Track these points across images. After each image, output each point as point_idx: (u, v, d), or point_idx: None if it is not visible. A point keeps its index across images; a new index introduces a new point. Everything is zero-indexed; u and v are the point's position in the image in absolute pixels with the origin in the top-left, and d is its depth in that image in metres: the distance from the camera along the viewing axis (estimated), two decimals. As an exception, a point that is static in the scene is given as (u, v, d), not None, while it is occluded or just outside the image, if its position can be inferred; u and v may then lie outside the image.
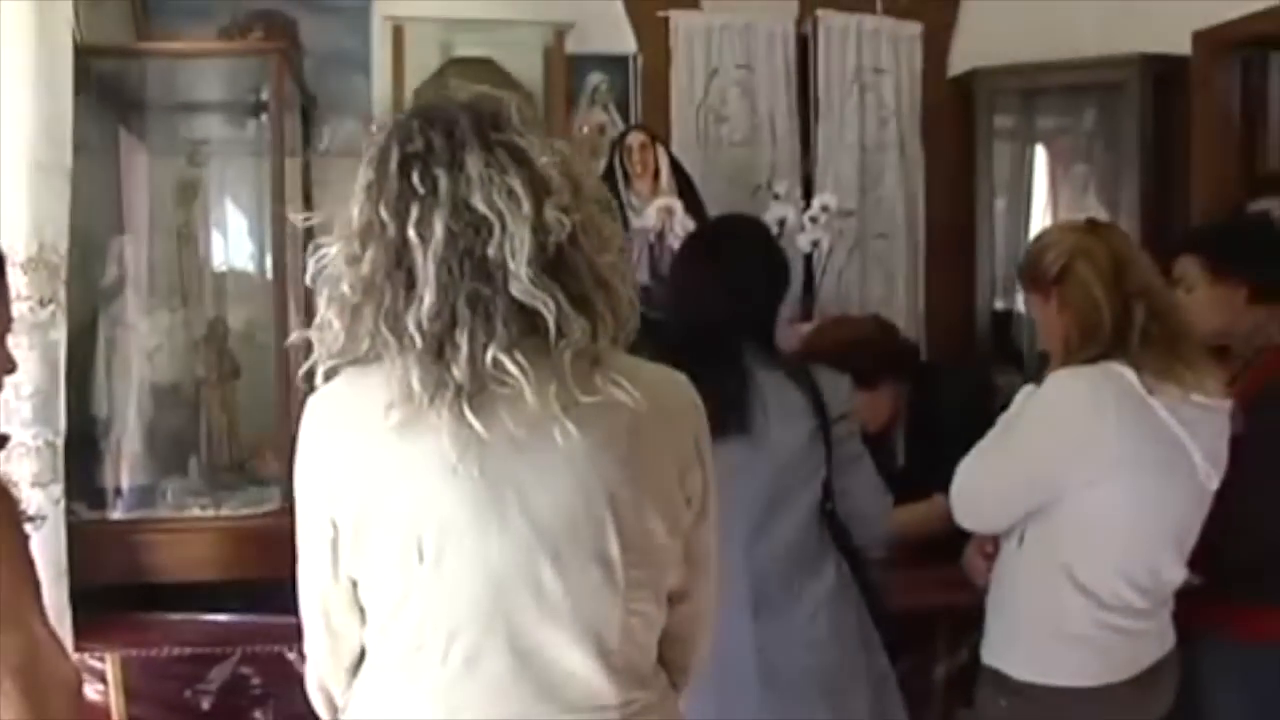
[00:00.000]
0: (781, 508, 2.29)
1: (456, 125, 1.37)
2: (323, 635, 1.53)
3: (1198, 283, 2.68)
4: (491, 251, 1.34)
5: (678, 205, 3.27)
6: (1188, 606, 2.63)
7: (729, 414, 2.21)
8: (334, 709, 1.58)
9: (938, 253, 4.06)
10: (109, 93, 3.23)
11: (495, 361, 1.34)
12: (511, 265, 1.34)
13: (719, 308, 2.32)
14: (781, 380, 2.30)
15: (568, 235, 1.37)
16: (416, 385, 1.34)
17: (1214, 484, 2.29)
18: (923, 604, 2.83)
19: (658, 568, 1.49)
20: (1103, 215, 3.99)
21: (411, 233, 1.35)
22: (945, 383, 3.37)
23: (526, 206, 1.34)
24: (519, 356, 1.34)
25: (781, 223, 3.59)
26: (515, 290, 1.35)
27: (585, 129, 3.75)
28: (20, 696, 1.24)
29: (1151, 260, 2.35)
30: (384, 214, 1.36)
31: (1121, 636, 2.29)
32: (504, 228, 1.34)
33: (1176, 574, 2.34)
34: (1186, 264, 2.71)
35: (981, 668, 2.42)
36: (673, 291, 2.42)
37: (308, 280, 1.43)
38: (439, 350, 1.34)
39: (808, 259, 3.73)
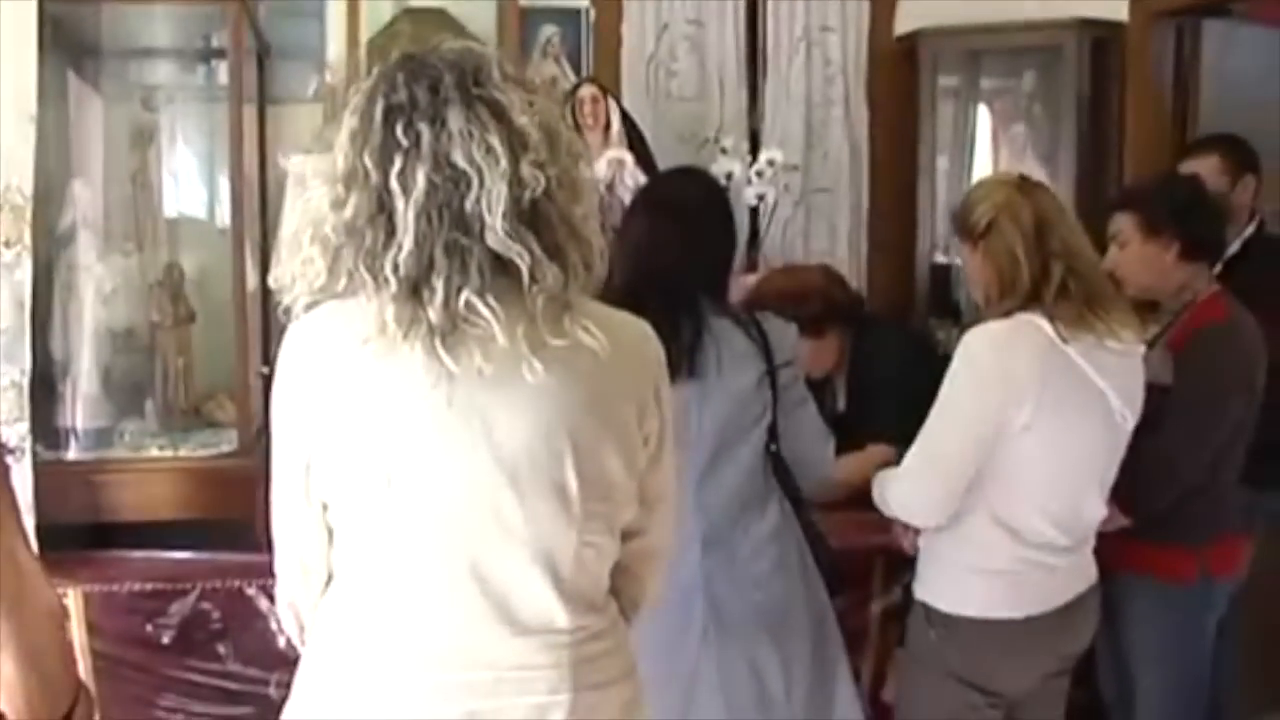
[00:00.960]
0: (730, 449, 2.39)
1: (441, 81, 1.43)
2: (293, 556, 1.60)
3: (1131, 239, 2.79)
4: (469, 205, 1.41)
5: (628, 158, 3.34)
6: (1110, 546, 2.78)
7: (683, 359, 2.30)
8: (302, 628, 1.65)
9: (880, 207, 4.16)
10: (63, 38, 3.23)
11: (468, 304, 1.41)
12: (488, 218, 1.41)
13: (677, 259, 2.40)
14: (731, 328, 2.39)
15: (543, 189, 1.43)
16: (391, 321, 1.40)
17: (1129, 424, 2.41)
18: (860, 544, 2.94)
19: (613, 503, 1.57)
20: (1040, 174, 4.12)
21: (394, 183, 1.41)
22: (885, 334, 3.47)
23: (504, 163, 1.41)
24: (491, 300, 1.41)
25: (728, 176, 3.67)
26: (491, 241, 1.41)
27: (537, 81, 3.77)
28: (6, 622, 1.24)
29: (1077, 221, 2.45)
30: (368, 162, 1.43)
31: (1043, 572, 2.41)
32: (482, 183, 1.41)
33: (1096, 512, 2.47)
34: (1121, 221, 2.82)
35: (913, 602, 2.54)
36: (629, 243, 2.49)
37: (302, 219, 1.49)
38: (414, 292, 1.41)
39: (754, 212, 3.81)
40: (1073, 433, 2.34)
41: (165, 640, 2.88)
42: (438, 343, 1.40)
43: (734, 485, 2.39)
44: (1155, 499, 2.71)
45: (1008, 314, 2.34)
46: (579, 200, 1.49)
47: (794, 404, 2.44)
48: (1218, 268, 3.22)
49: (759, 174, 3.68)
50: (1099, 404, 2.35)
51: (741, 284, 3.60)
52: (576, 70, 3.87)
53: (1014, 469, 2.34)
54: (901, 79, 4.12)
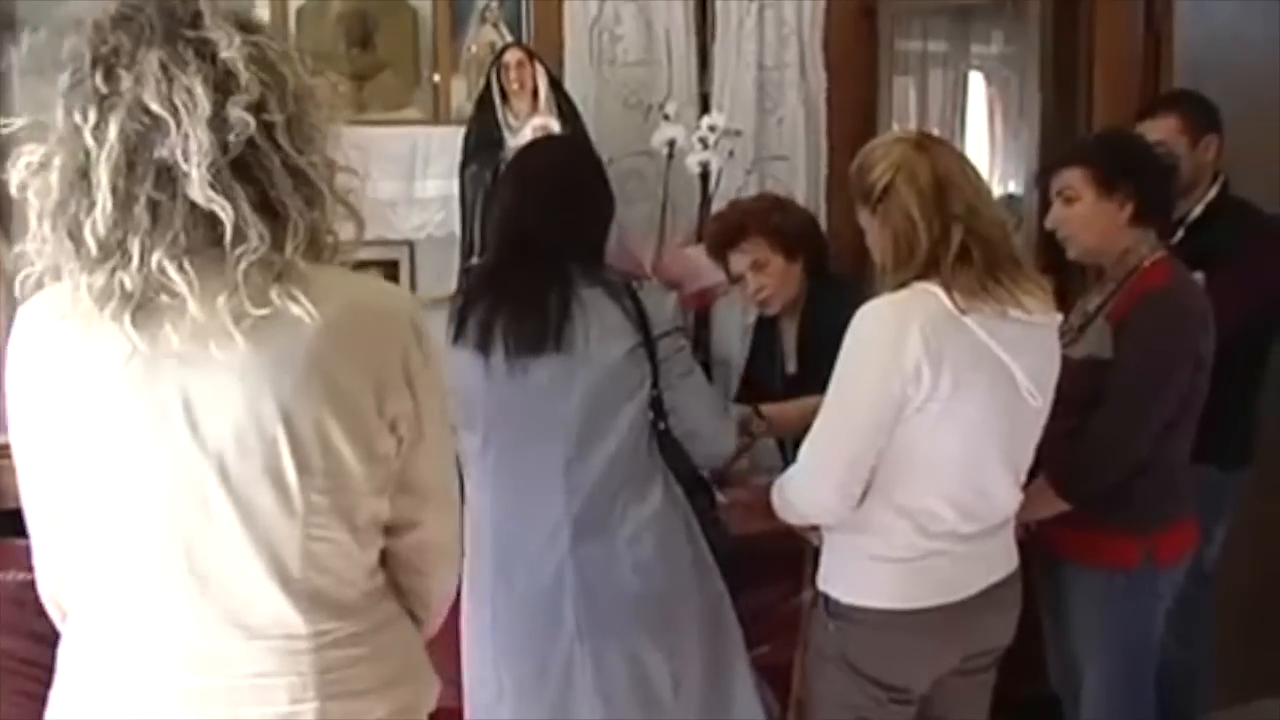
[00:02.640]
0: (601, 427, 2.25)
1: (146, 25, 1.31)
2: (39, 545, 1.52)
3: (1083, 194, 2.62)
4: (165, 153, 1.29)
5: (555, 125, 3.19)
6: (1051, 533, 2.63)
7: (548, 333, 2.17)
8: (64, 615, 1.56)
9: (839, 177, 3.94)
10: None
11: (161, 268, 1.28)
12: (185, 167, 1.29)
13: (542, 229, 2.27)
14: (603, 298, 2.25)
15: (262, 134, 1.31)
16: (85, 294, 1.29)
17: (1038, 403, 2.24)
18: (790, 529, 2.79)
19: (347, 493, 1.43)
20: (1006, 137, 3.96)
21: (89, 137, 1.29)
22: (843, 289, 3.26)
23: (205, 105, 1.29)
24: (187, 265, 1.30)
25: (671, 144, 3.51)
26: (193, 194, 1.29)
27: (474, 48, 3.63)
28: None
29: (984, 181, 2.30)
30: (75, 119, 1.31)
31: (945, 560, 2.25)
32: (179, 127, 1.28)
33: (1006, 497, 2.30)
34: (1071, 175, 2.65)
35: (815, 590, 2.39)
36: (496, 213, 2.37)
37: (13, 190, 1.36)
38: (109, 257, 1.29)
39: (703, 180, 3.65)
40: (973, 410, 2.16)
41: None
42: (126, 317, 1.28)
43: (607, 465, 2.25)
44: (1094, 481, 2.56)
45: (903, 284, 2.17)
46: (311, 148, 1.36)
47: (679, 376, 2.29)
48: (1180, 233, 3.08)
49: (702, 141, 3.51)
50: (1002, 379, 2.17)
51: (684, 256, 3.46)
52: (517, 36, 3.69)
53: (911, 450, 2.17)
54: (860, 41, 3.93)
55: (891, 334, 2.13)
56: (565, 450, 2.24)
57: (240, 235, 1.30)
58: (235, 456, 1.35)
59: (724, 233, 3.14)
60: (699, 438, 2.35)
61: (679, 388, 2.30)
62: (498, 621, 2.30)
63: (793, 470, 2.31)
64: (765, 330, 3.30)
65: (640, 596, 2.26)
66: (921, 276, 2.17)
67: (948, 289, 2.14)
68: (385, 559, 1.56)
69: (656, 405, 2.28)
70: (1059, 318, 2.33)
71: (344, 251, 1.45)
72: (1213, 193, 3.21)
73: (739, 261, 3.12)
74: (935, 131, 4.00)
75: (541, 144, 2.80)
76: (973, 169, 2.30)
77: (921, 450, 2.18)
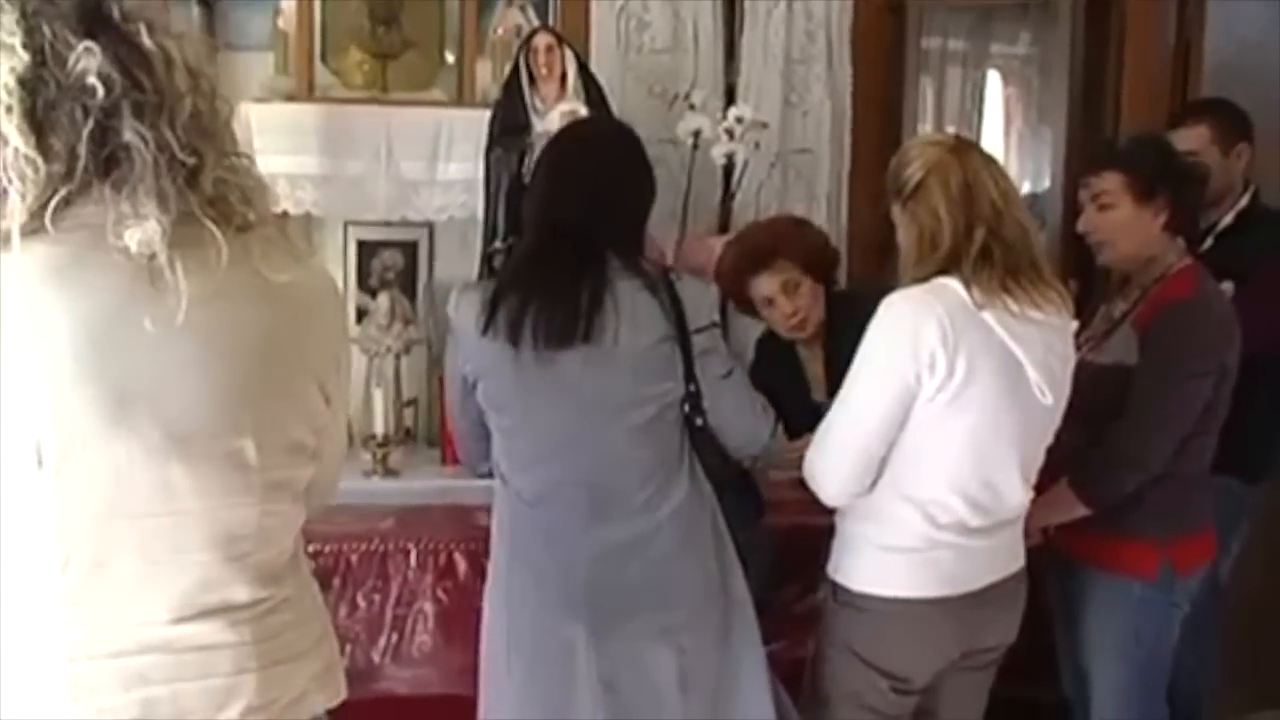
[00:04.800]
0: (629, 418, 2.22)
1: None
2: None
3: (1121, 201, 2.62)
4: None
5: (583, 110, 3.15)
6: (1070, 536, 2.62)
7: (577, 323, 2.15)
8: None
9: (863, 172, 3.94)
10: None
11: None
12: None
13: (581, 215, 2.24)
14: (638, 290, 2.22)
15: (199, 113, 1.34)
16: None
17: (1049, 401, 2.25)
18: (809, 524, 2.78)
19: (296, 467, 1.46)
20: (1032, 139, 3.93)
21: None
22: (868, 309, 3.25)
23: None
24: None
25: (696, 134, 3.50)
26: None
27: (500, 31, 3.60)
28: None
29: (1014, 185, 2.31)
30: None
31: (953, 553, 2.27)
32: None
33: (1016, 494, 2.31)
34: (1110, 180, 2.64)
35: (825, 581, 2.41)
36: (534, 198, 2.33)
37: None
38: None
39: (726, 171, 3.63)
40: (985, 403, 2.18)
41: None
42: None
43: (635, 461, 2.23)
44: (1114, 487, 2.55)
45: (925, 279, 2.20)
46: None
47: (714, 375, 2.27)
48: (1209, 241, 3.07)
49: (728, 132, 3.49)
50: (1016, 375, 2.20)
51: (706, 245, 3.44)
52: (544, 20, 3.67)
53: (922, 440, 2.20)
54: (887, 37, 3.91)
55: (909, 324, 2.16)
56: (590, 444, 2.21)
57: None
58: (200, 440, 1.35)
59: (753, 254, 3.08)
60: (736, 437, 2.34)
61: (718, 387, 2.28)
62: (511, 605, 2.29)
63: (810, 454, 2.31)
64: (783, 357, 3.23)
65: (654, 591, 2.24)
66: (942, 272, 2.21)
67: (967, 284, 2.18)
68: None
69: (693, 401, 2.26)
70: (1075, 322, 2.35)
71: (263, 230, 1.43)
72: (1244, 202, 3.19)
73: (768, 284, 3.06)
74: (957, 130, 4.01)
75: (580, 127, 2.75)
76: (1002, 173, 2.33)
77: (932, 441, 2.20)
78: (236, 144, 1.42)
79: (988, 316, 2.16)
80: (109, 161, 1.29)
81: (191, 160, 1.32)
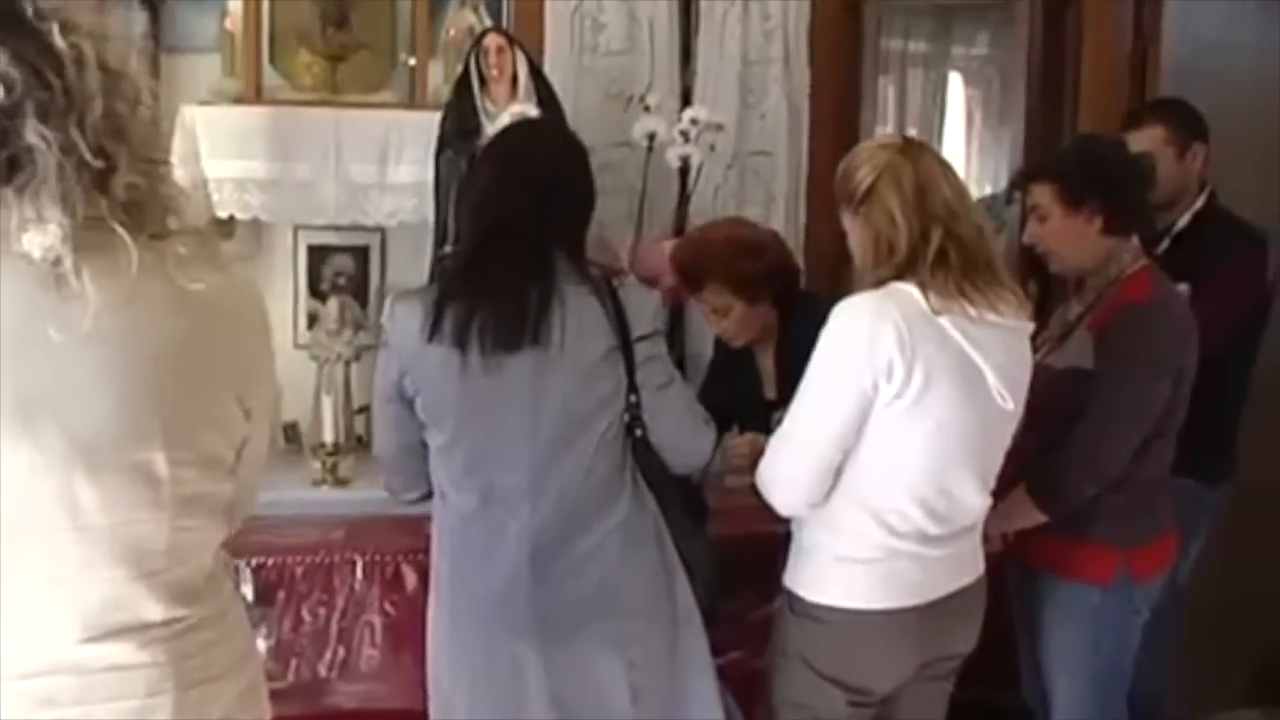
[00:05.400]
0: (571, 433, 2.17)
1: None
2: None
3: (1051, 212, 2.61)
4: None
5: (534, 112, 3.10)
6: (1029, 543, 2.59)
7: (525, 325, 2.10)
8: None
9: (821, 174, 3.89)
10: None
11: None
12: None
13: (526, 213, 2.18)
14: (585, 295, 2.17)
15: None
16: None
17: (1009, 406, 2.22)
18: (763, 532, 2.74)
19: (212, 482, 1.41)
20: (989, 141, 3.91)
21: None
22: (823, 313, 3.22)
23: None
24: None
25: (651, 136, 3.45)
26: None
27: (452, 32, 3.54)
28: None
29: (964, 185, 2.28)
30: None
31: (911, 562, 2.23)
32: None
33: (974, 501, 2.27)
34: (1040, 193, 2.63)
35: (781, 589, 2.36)
36: (473, 197, 2.27)
37: None
38: None
39: (682, 173, 3.59)
40: (943, 409, 2.14)
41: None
42: None
43: (574, 472, 2.17)
44: (1073, 493, 2.52)
45: (881, 283, 2.15)
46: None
47: (658, 385, 2.22)
48: (1165, 243, 3.05)
49: (683, 134, 3.44)
50: (974, 380, 2.16)
51: (661, 250, 3.39)
52: (497, 21, 3.62)
53: (879, 447, 2.16)
54: (845, 37, 3.88)
55: (865, 329, 2.12)
56: (532, 453, 2.16)
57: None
58: (106, 452, 1.30)
59: (684, 275, 3.04)
60: (677, 450, 2.28)
61: (658, 397, 2.22)
62: (455, 620, 2.24)
63: (765, 464, 2.27)
64: (738, 353, 3.18)
65: (601, 606, 2.19)
66: (899, 276, 2.17)
67: (924, 289, 2.14)
68: None
69: (634, 411, 2.21)
70: (1031, 325, 2.31)
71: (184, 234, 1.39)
72: (1200, 203, 3.16)
73: (701, 304, 3.04)
74: (917, 131, 3.98)
75: (524, 127, 2.70)
76: (954, 174, 2.30)
77: (889, 448, 2.16)
78: (161, 148, 1.39)
79: (945, 321, 2.12)
80: (11, 164, 1.24)
81: (100, 163, 1.27)
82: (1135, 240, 2.64)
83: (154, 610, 1.37)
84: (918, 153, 2.25)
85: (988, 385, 2.17)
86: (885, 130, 3.88)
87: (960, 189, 2.24)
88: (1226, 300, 2.88)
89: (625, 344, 2.17)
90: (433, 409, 2.20)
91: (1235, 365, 3.06)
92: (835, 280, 3.83)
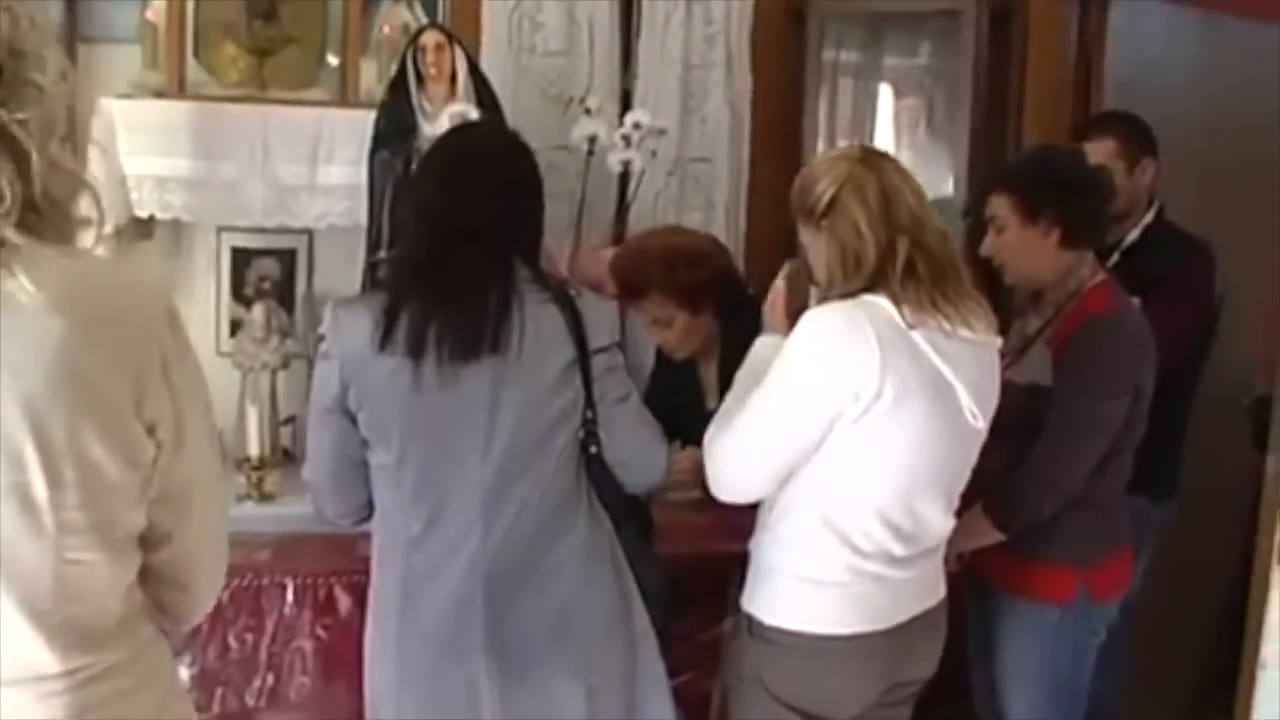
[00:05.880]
0: (526, 451, 2.05)
1: None
2: None
3: (1008, 224, 2.56)
4: None
5: (474, 113, 2.99)
6: (986, 562, 2.53)
7: (485, 332, 1.98)
8: None
9: (762, 181, 3.84)
10: None
11: None
12: None
13: (486, 215, 2.06)
14: (545, 303, 2.05)
15: None
16: None
17: (980, 425, 2.15)
18: (714, 550, 2.66)
19: (108, 509, 1.27)
20: (934, 150, 3.86)
21: None
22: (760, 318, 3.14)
23: None
24: None
25: (592, 140, 3.35)
26: None
27: (386, 29, 3.42)
28: None
29: (924, 192, 2.19)
30: None
31: (876, 585, 2.14)
32: None
33: (939, 520, 2.19)
34: (997, 204, 2.58)
35: (739, 613, 2.27)
36: (426, 200, 2.13)
37: None
38: None
39: (620, 180, 3.50)
40: (912, 427, 2.06)
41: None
42: None
43: (530, 493, 2.06)
44: (1031, 511, 2.47)
45: (852, 295, 2.07)
46: (24, 109, 1.20)
47: (614, 399, 2.12)
48: (1114, 257, 3.02)
49: (624, 138, 3.35)
50: (946, 397, 2.08)
51: (602, 258, 3.30)
52: (432, 18, 3.49)
53: (845, 463, 2.07)
54: (788, 43, 3.81)
55: (838, 339, 2.03)
56: (487, 472, 2.04)
57: None
58: None
59: (626, 285, 2.97)
60: (633, 469, 2.18)
61: (614, 413, 2.12)
62: (402, 646, 2.10)
63: (715, 453, 2.17)
64: (680, 367, 3.12)
65: (559, 633, 2.08)
66: (868, 290, 2.08)
67: (896, 302, 2.06)
68: (141, 574, 1.39)
69: (588, 427, 2.10)
70: (999, 339, 2.24)
71: (86, 233, 1.27)
72: (1149, 217, 3.15)
73: (643, 315, 2.98)
74: (860, 139, 3.93)
75: (476, 127, 2.60)
76: (914, 181, 2.21)
77: (857, 465, 2.08)
78: (55, 147, 1.25)
79: (918, 336, 2.04)
80: None
81: None
82: (1090, 254, 2.60)
83: (47, 659, 1.24)
84: (878, 162, 2.17)
85: (959, 402, 2.10)
86: (839, 140, 3.81)
87: (922, 196, 2.16)
88: (1177, 313, 2.85)
89: (583, 355, 2.06)
90: (378, 425, 2.06)
91: (1183, 379, 3.04)
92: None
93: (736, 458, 2.15)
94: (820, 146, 3.78)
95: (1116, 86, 3.63)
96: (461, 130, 2.39)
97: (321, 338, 2.12)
